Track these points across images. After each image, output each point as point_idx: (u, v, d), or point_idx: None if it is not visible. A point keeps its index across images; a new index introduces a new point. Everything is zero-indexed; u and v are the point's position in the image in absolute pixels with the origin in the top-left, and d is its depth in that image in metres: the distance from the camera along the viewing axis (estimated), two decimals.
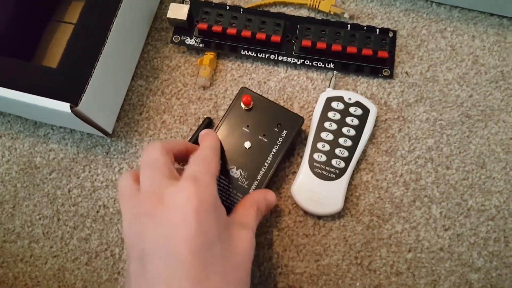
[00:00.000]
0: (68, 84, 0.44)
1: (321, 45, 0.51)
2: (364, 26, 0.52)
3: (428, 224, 0.47)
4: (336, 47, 0.51)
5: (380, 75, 0.52)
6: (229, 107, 0.48)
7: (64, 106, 0.42)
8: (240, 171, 0.46)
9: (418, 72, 0.52)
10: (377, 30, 0.52)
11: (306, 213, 0.47)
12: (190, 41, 0.54)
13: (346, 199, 0.47)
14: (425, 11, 0.54)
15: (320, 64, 0.52)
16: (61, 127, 0.52)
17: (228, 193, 0.45)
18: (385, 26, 0.53)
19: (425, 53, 0.53)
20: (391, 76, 0.51)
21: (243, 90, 0.48)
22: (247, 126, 0.47)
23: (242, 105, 0.47)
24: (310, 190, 0.46)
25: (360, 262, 0.46)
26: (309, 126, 0.49)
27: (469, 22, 0.54)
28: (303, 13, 0.55)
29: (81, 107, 0.43)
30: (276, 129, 0.47)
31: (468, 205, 0.47)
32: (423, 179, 0.48)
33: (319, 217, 0.47)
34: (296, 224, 0.47)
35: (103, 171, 0.50)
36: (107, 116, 0.50)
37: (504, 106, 0.50)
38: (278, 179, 0.48)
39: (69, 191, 0.50)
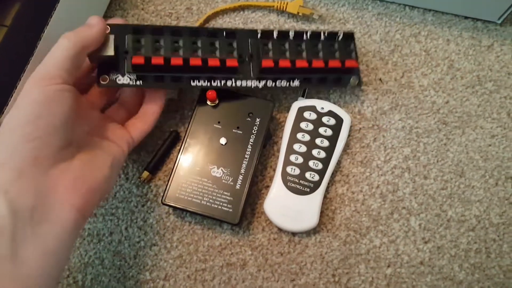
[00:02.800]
0: None
1: (284, 63, 0.42)
2: (323, 32, 0.44)
3: (407, 237, 0.42)
4: (301, 63, 0.42)
5: (348, 85, 0.45)
6: (194, 107, 0.43)
7: None
8: (221, 169, 0.41)
9: (392, 79, 0.47)
10: (338, 36, 0.44)
11: (281, 229, 0.42)
12: (123, 80, 0.39)
13: (322, 213, 0.42)
14: (398, 15, 0.49)
15: (283, 83, 0.43)
16: None
17: (215, 194, 0.41)
18: (357, 31, 0.48)
19: (399, 58, 0.48)
20: (359, 85, 0.45)
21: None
22: (218, 122, 0.43)
23: (208, 102, 0.43)
24: (283, 205, 0.41)
25: (338, 280, 0.41)
26: (281, 138, 0.44)
27: (443, 25, 0.49)
28: (271, 18, 0.49)
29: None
30: (249, 119, 0.43)
31: (448, 215, 0.43)
32: (400, 190, 0.43)
33: (294, 233, 0.42)
34: (270, 242, 0.42)
35: None
36: None
37: (481, 112, 0.46)
38: (250, 194, 0.43)
39: None
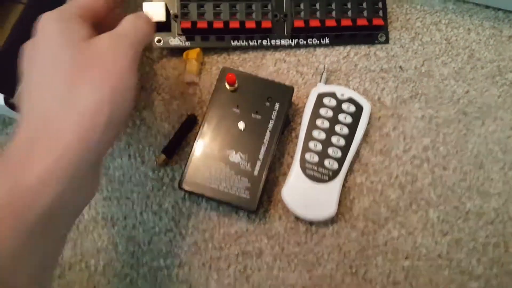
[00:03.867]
0: (6, 72, 0.35)
1: (314, 23, 0.44)
2: None
3: (425, 229, 0.40)
4: (330, 23, 0.44)
5: (376, 41, 0.46)
6: (213, 91, 0.41)
7: None
8: (240, 155, 0.39)
9: (412, 67, 0.45)
10: None
11: (298, 218, 0.40)
12: (174, 41, 0.44)
13: (340, 202, 0.40)
14: (419, 2, 0.47)
15: (315, 41, 0.46)
16: None
17: (232, 180, 0.39)
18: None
19: (420, 46, 0.46)
20: (387, 41, 0.46)
21: (225, 70, 0.42)
22: (237, 106, 0.41)
23: (227, 86, 0.41)
24: (301, 193, 0.39)
25: (355, 272, 0.39)
26: (300, 124, 0.42)
27: (464, 14, 0.47)
28: None
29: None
30: (268, 104, 0.41)
31: (466, 208, 0.41)
32: (419, 180, 0.42)
33: (311, 223, 0.40)
34: (287, 231, 0.40)
35: None
36: None
37: (501, 103, 0.44)
38: (268, 181, 0.41)
39: None
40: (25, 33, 0.36)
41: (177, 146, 0.42)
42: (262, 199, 0.40)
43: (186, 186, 0.39)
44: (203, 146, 0.40)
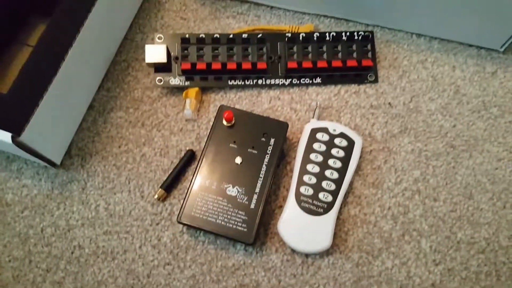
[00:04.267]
0: (14, 111, 0.38)
1: (307, 64, 0.47)
2: (344, 33, 0.48)
3: (418, 259, 0.41)
4: (322, 64, 0.47)
5: (366, 81, 0.48)
6: (211, 127, 0.43)
7: (5, 136, 0.37)
8: (237, 188, 0.41)
9: (401, 103, 0.47)
10: (358, 36, 0.48)
11: (294, 251, 0.42)
12: (174, 81, 0.47)
13: (335, 234, 0.41)
14: (405, 42, 0.50)
15: (307, 80, 0.48)
16: (34, 162, 0.45)
17: (230, 213, 0.40)
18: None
19: (407, 83, 0.48)
20: (376, 80, 0.48)
21: (223, 108, 0.44)
22: (234, 142, 0.43)
23: (224, 122, 0.43)
24: (297, 226, 0.41)
25: None
26: (294, 158, 0.44)
27: (449, 52, 0.50)
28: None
29: (24, 137, 0.37)
30: (264, 139, 0.43)
31: (458, 237, 0.42)
32: (411, 212, 0.43)
33: (307, 255, 0.41)
34: (283, 263, 0.41)
35: (79, 209, 0.43)
36: (54, 147, 0.44)
37: (488, 136, 0.46)
38: (264, 213, 0.42)
39: (42, 230, 0.43)
40: (32, 74, 0.39)
41: (176, 180, 0.44)
42: (259, 231, 0.41)
43: (184, 220, 0.40)
44: (202, 180, 0.41)
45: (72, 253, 0.42)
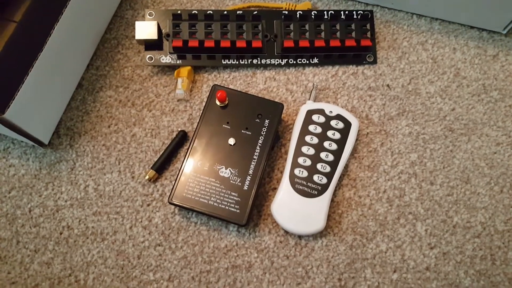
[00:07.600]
0: None
1: (304, 43, 0.48)
2: (343, 11, 0.49)
3: (413, 242, 0.43)
4: (319, 43, 0.48)
5: (365, 62, 0.50)
6: (204, 107, 0.45)
7: None
8: (230, 170, 0.43)
9: (399, 85, 0.49)
10: (357, 15, 0.49)
11: (287, 232, 0.43)
12: (165, 59, 0.48)
13: (329, 216, 0.43)
14: (405, 23, 0.51)
15: (304, 60, 0.49)
16: (22, 141, 0.46)
17: (222, 194, 0.42)
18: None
19: (407, 65, 0.50)
20: (375, 61, 0.50)
21: (216, 87, 0.46)
22: (227, 122, 0.44)
23: (218, 103, 0.45)
24: (291, 207, 0.43)
25: (344, 285, 0.42)
26: (289, 140, 0.45)
27: (450, 34, 0.51)
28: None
29: (9, 115, 0.38)
30: (258, 120, 0.44)
31: (454, 222, 0.44)
32: (407, 195, 0.45)
33: (300, 236, 0.43)
34: (276, 244, 0.43)
35: (68, 189, 0.45)
36: (42, 126, 0.45)
37: (487, 120, 0.48)
38: (257, 195, 0.44)
39: (30, 211, 0.44)
40: (16, 50, 0.39)
41: (167, 161, 0.45)
42: (252, 213, 0.43)
43: (175, 200, 0.41)
44: (194, 161, 0.43)
45: (60, 233, 0.44)
